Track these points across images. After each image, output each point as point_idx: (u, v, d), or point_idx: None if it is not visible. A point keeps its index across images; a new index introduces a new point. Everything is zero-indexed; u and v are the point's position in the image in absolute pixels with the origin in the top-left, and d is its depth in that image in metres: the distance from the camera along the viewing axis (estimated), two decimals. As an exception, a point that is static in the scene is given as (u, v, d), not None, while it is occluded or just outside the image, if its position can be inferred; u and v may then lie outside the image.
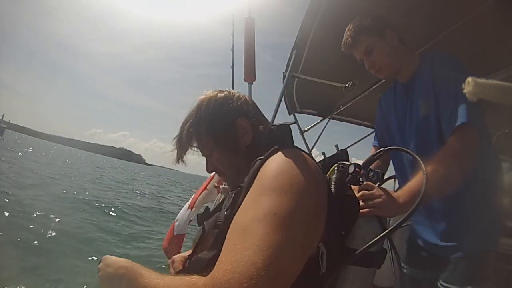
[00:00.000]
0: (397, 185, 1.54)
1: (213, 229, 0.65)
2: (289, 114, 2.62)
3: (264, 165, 0.56)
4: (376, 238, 0.55)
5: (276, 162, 0.55)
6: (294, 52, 1.78)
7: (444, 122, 0.96)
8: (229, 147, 0.70)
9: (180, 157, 0.74)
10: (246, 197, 0.53)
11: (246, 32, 2.00)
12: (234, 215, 0.52)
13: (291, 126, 0.70)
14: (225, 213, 0.60)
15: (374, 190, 0.73)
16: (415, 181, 0.78)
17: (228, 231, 0.50)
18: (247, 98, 0.76)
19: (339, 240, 0.56)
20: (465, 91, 0.78)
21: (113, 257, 0.59)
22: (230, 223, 0.51)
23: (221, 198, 1.84)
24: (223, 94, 0.73)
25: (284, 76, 1.90)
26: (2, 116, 63.55)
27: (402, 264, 1.18)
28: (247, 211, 0.50)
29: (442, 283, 1.00)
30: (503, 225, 1.05)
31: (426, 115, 1.03)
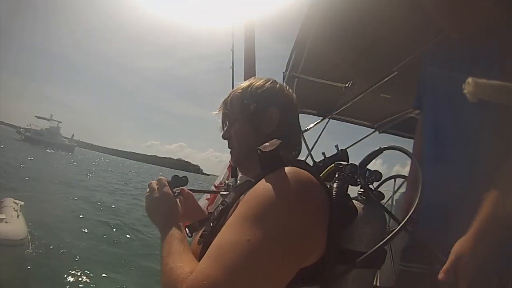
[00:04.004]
0: (397, 185, 1.53)
1: (199, 238, 0.66)
2: (289, 114, 2.62)
3: (253, 188, 0.56)
4: (375, 248, 0.54)
5: (264, 187, 0.54)
6: (294, 52, 1.77)
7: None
8: (251, 125, 0.73)
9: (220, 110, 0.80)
10: (231, 216, 0.55)
11: (247, 32, 2.00)
12: (218, 229, 0.54)
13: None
14: (211, 225, 0.62)
15: None
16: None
17: (211, 244, 0.52)
18: (294, 98, 0.81)
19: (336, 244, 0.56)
20: (465, 91, 0.77)
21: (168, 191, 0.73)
22: (215, 236, 0.53)
23: (220, 201, 1.83)
24: (273, 84, 0.77)
25: (284, 76, 1.90)
26: (72, 136, 69.74)
27: (400, 262, 1.18)
28: (226, 231, 0.52)
29: None
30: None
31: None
